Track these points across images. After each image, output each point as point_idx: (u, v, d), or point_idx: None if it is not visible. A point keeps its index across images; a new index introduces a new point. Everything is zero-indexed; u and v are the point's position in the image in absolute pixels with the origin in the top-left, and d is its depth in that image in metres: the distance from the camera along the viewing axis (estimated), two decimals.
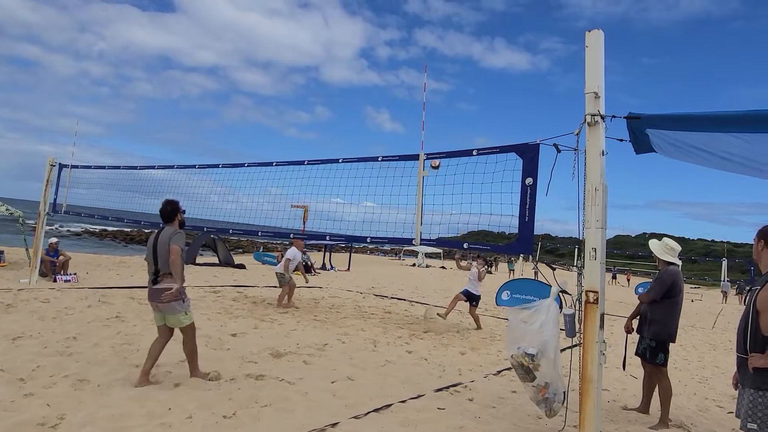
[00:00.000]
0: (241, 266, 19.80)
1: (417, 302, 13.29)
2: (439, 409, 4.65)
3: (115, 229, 54.29)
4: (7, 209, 12.84)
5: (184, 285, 4.72)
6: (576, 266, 3.81)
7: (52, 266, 10.86)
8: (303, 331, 7.78)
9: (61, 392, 4.19)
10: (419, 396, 4.99)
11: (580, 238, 3.72)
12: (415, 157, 5.51)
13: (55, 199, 10.29)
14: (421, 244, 5.37)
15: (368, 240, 5.93)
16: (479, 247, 5.48)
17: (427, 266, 38.38)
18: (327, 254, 26.08)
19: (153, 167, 9.03)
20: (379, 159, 5.86)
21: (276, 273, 10.54)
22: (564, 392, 4.04)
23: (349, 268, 25.76)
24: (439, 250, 41.36)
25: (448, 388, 5.39)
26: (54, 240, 11.42)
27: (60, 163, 10.28)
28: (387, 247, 70.28)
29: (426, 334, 8.54)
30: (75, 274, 11.00)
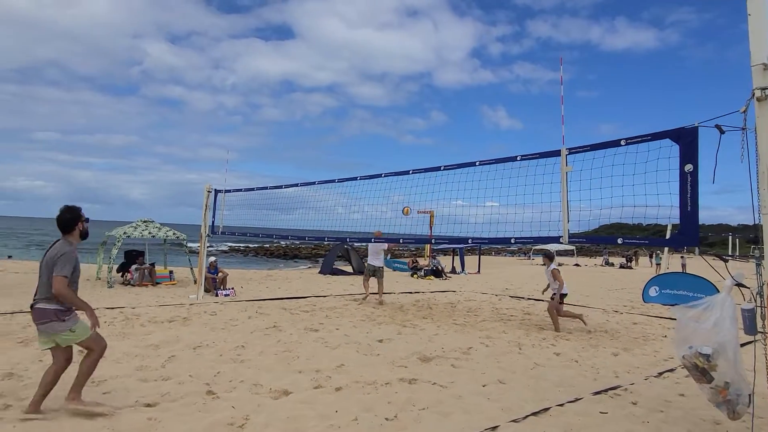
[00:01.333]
0: None
1: None
2: (601, 413, 4.46)
3: (256, 245, 58.92)
4: (174, 233, 14.58)
5: (60, 308, 4.01)
6: (754, 256, 3.46)
7: (213, 282, 12.09)
8: (445, 335, 7.87)
9: (241, 396, 4.65)
10: (577, 399, 4.82)
11: (757, 224, 3.38)
12: (557, 153, 5.36)
13: (213, 222, 11.51)
14: (570, 242, 5.21)
15: (512, 241, 5.87)
16: (636, 242, 5.17)
17: (560, 264, 36.77)
18: (456, 258, 26.03)
19: (296, 185, 9.76)
20: (518, 158, 5.79)
21: (375, 266, 11.48)
22: (749, 394, 3.68)
23: (479, 271, 25.50)
24: (572, 248, 39.44)
25: (606, 391, 5.14)
26: (213, 259, 12.72)
27: (215, 189, 11.48)
28: (514, 247, 68.49)
29: (572, 335, 8.21)
30: (233, 288, 12.16)
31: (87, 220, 4.25)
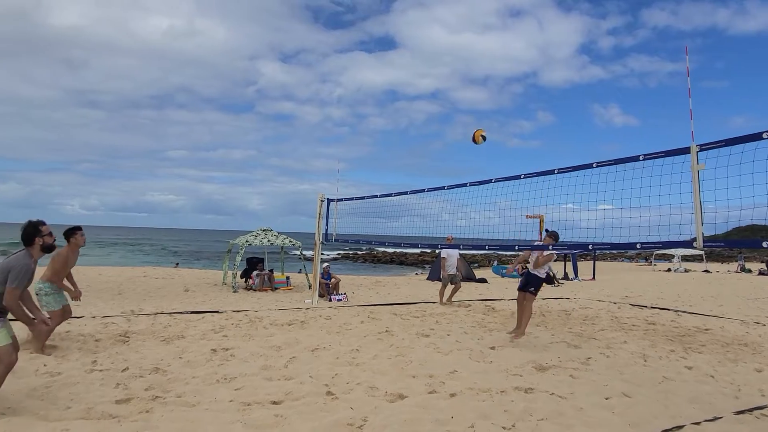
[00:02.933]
0: (483, 280, 20.17)
1: (684, 312, 11.79)
2: None
3: (363, 252, 60.49)
4: (290, 241, 15.43)
5: None
6: None
7: (327, 288, 12.62)
8: (561, 343, 7.57)
9: (359, 397, 4.80)
10: (716, 418, 4.42)
11: None
12: (685, 151, 4.96)
13: (326, 230, 12.02)
14: (704, 246, 4.80)
15: (638, 246, 5.52)
16: None
17: (686, 270, 33.80)
18: (569, 263, 24.90)
19: (405, 193, 9.92)
20: (641, 158, 5.43)
21: (451, 275, 11.87)
22: None
23: (594, 277, 24.19)
24: (701, 252, 36.10)
25: (751, 410, 4.66)
26: (326, 265, 13.29)
27: (328, 198, 12.00)
28: (631, 252, 63.92)
29: (704, 348, 7.53)
30: (345, 294, 12.60)
31: (50, 234, 4.29)
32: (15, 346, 4.32)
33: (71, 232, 6.39)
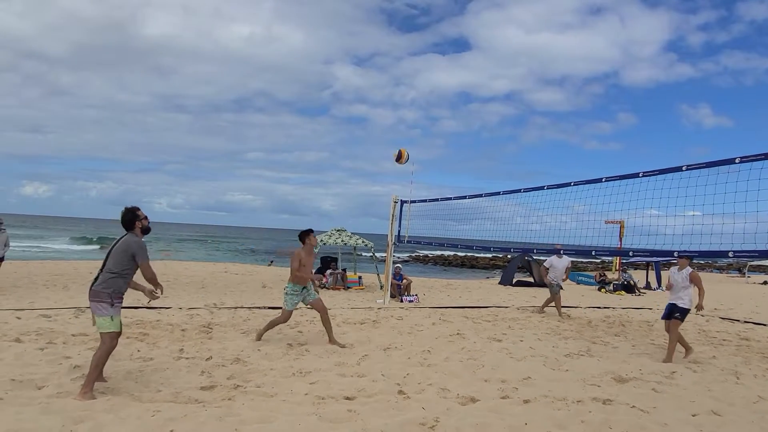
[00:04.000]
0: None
1: None
2: None
3: (434, 255, 60.27)
4: (363, 242, 15.68)
5: (116, 291, 4.53)
6: None
7: (398, 288, 12.70)
8: (642, 355, 7.22)
9: (430, 398, 4.81)
10: None
11: None
12: None
13: (399, 231, 12.12)
14: None
15: (730, 254, 5.18)
16: None
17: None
18: (651, 272, 23.63)
19: (480, 195, 9.85)
20: (737, 161, 5.08)
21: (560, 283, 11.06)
22: None
23: None
24: None
25: None
26: (398, 266, 13.38)
27: (401, 200, 12.09)
28: (722, 263, 59.48)
29: None
30: (416, 295, 12.64)
31: (146, 218, 4.75)
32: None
33: (305, 235, 6.96)
